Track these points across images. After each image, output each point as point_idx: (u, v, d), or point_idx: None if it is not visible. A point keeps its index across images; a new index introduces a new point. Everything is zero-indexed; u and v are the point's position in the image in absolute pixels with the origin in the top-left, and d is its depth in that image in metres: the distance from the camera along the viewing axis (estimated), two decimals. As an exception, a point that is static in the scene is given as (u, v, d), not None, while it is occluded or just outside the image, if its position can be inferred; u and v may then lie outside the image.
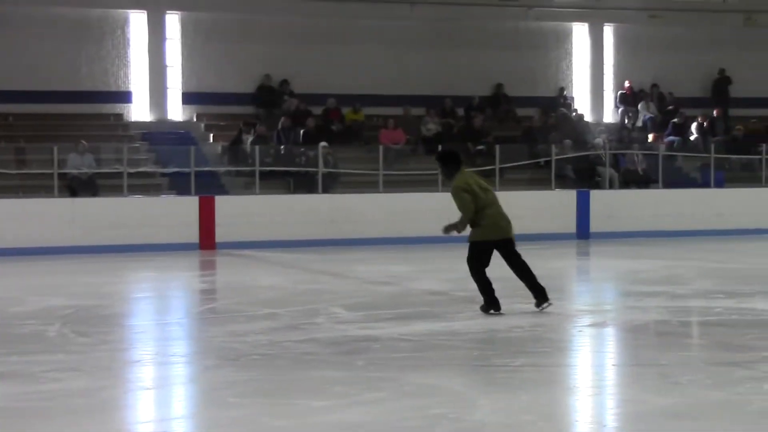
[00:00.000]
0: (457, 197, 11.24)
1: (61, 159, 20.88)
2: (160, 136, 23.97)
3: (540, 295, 11.44)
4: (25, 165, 21.63)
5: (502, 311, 11.22)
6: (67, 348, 9.63)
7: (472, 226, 11.32)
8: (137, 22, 25.06)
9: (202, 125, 24.98)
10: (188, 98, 25.33)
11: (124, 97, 24.98)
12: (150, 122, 24.90)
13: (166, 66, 25.16)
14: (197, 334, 10.93)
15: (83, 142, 21.41)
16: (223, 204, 20.70)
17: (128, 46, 25.00)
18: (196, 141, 23.68)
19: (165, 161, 22.51)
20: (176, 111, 25.36)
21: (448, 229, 11.42)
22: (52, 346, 9.77)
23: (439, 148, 22.44)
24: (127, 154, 21.38)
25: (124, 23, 25.00)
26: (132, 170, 21.32)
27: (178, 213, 20.40)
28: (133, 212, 20.35)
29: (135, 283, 16.31)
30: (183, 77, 25.35)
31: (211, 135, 24.49)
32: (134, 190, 21.10)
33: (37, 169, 21.35)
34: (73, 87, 24.28)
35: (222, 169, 22.88)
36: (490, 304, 11.30)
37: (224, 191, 21.82)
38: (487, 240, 11.26)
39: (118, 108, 24.89)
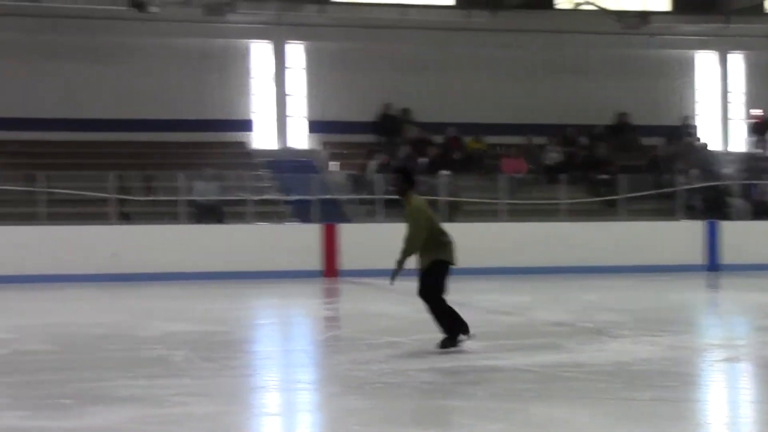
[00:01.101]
0: (414, 219, 10.52)
1: (186, 186, 21.23)
2: (282, 164, 24.26)
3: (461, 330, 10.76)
4: (153, 192, 22.07)
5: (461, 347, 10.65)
6: (193, 373, 9.71)
7: (424, 250, 10.64)
8: (259, 51, 25.47)
9: (325, 153, 25.19)
10: (312, 126, 25.61)
11: (246, 125, 25.37)
12: (273, 150, 25.21)
13: (286, 95, 25.50)
14: (321, 361, 10.94)
15: (209, 169, 21.73)
16: (346, 232, 20.78)
17: (250, 75, 25.41)
18: (317, 169, 23.87)
19: (287, 189, 22.74)
20: (298, 139, 25.64)
21: (396, 272, 10.81)
22: (178, 370, 9.86)
23: (559, 176, 22.40)
24: (251, 181, 21.64)
25: (246, 53, 25.43)
26: (256, 197, 21.57)
27: (301, 240, 20.58)
28: (257, 239, 20.59)
29: (259, 310, 16.44)
30: (308, 106, 25.64)
31: (332, 163, 24.67)
32: (258, 217, 21.34)
33: (163, 196, 21.78)
34: (198, 115, 24.76)
35: (346, 197, 23.00)
36: (454, 339, 10.69)
37: (346, 219, 21.93)
38: (450, 261, 10.64)
39: (240, 136, 25.29)
